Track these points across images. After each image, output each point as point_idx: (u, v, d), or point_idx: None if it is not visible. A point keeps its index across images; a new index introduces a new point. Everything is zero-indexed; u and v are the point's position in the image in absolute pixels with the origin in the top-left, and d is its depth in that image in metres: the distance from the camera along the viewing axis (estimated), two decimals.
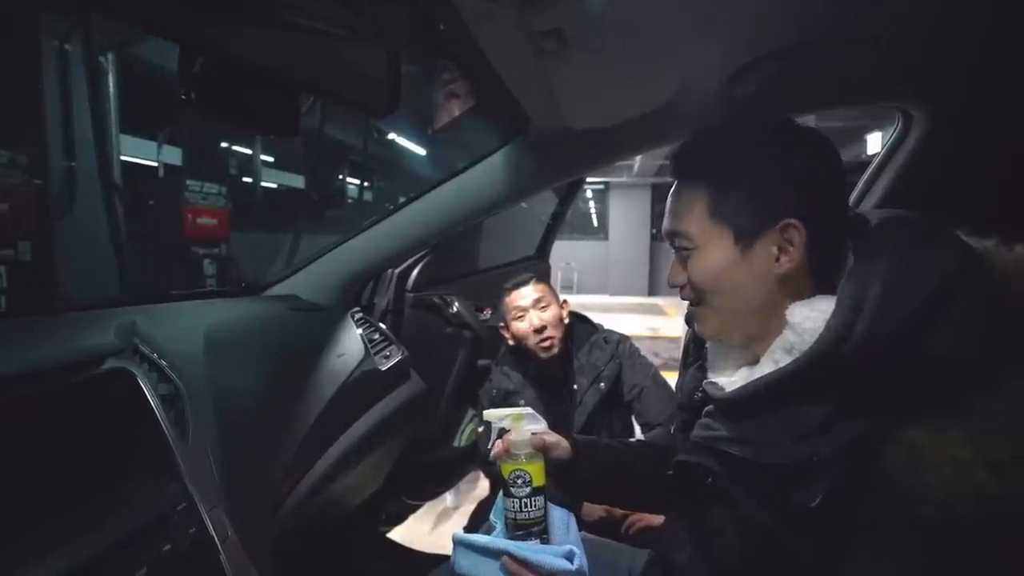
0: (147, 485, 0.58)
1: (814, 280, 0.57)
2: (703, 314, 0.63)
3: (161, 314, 0.85)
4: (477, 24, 0.63)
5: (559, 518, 0.84)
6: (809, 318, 0.53)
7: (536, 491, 0.68)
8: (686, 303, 0.66)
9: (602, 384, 1.44)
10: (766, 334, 0.58)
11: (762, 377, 0.54)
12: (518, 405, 1.46)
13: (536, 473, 0.68)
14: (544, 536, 0.69)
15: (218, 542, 0.58)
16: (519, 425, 0.72)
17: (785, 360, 0.53)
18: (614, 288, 11.88)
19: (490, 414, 0.78)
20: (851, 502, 0.47)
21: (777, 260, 0.55)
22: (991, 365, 0.46)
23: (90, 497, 0.54)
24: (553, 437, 0.75)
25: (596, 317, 1.62)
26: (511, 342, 1.49)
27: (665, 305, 10.09)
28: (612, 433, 1.46)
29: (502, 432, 0.74)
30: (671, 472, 0.67)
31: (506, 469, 0.69)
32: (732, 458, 0.55)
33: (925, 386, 0.46)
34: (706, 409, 0.63)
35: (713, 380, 0.63)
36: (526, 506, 0.67)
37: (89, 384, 0.60)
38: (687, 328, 0.74)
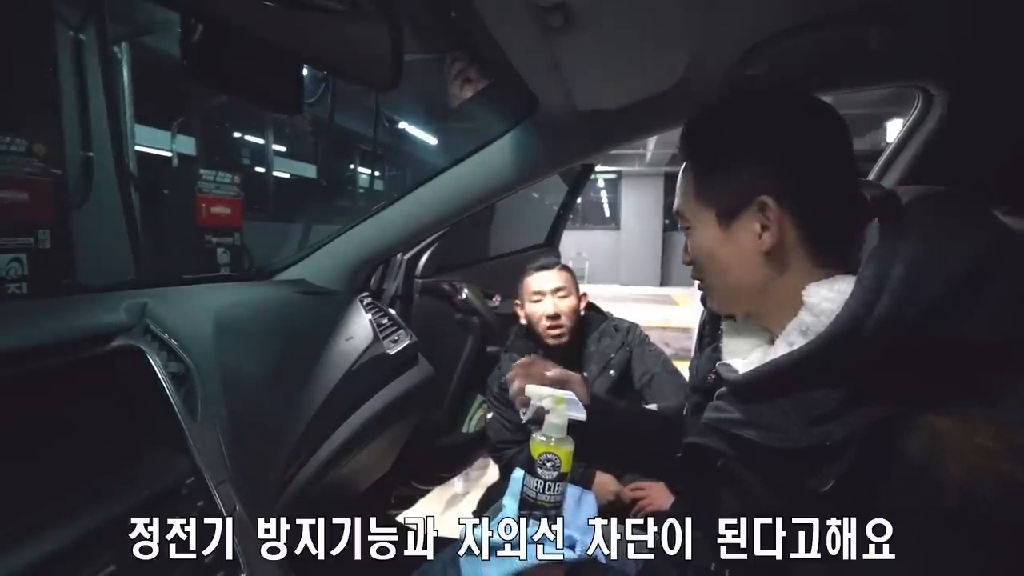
0: (156, 458, 0.60)
1: (817, 254, 0.55)
2: (706, 290, 0.65)
3: (172, 296, 0.86)
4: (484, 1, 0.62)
5: (571, 495, 0.84)
6: (827, 299, 0.51)
7: (561, 476, 0.68)
8: (698, 293, 0.67)
9: (612, 372, 1.43)
10: (778, 314, 0.56)
11: (775, 359, 0.53)
12: None
13: (565, 459, 0.68)
14: (557, 520, 0.69)
15: (225, 515, 0.59)
16: (559, 408, 0.70)
17: (800, 342, 0.52)
18: (625, 278, 11.81)
19: (532, 390, 0.76)
20: (866, 489, 0.45)
21: (760, 237, 0.55)
22: (1021, 349, 0.43)
23: (99, 467, 0.55)
24: (576, 377, 0.82)
25: (607, 307, 1.61)
26: (523, 322, 1.49)
27: (677, 295, 10.02)
28: None
29: (541, 411, 0.73)
30: (680, 455, 0.66)
31: (536, 449, 0.68)
32: (743, 441, 0.54)
33: (950, 371, 0.44)
34: (719, 391, 0.62)
35: (727, 362, 0.62)
36: (548, 489, 0.68)
37: (98, 360, 0.61)
38: (704, 309, 0.74)
